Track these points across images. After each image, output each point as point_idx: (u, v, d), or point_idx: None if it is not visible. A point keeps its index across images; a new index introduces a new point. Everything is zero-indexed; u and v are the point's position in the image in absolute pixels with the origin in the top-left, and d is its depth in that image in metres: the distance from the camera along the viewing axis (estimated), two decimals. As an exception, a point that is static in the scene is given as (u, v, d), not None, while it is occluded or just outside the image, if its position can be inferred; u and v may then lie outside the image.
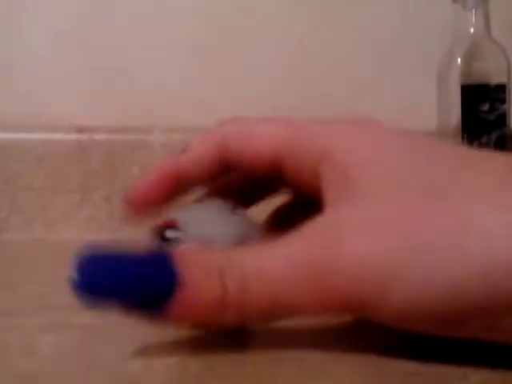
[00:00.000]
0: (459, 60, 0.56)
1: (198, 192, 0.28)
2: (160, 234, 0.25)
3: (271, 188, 0.29)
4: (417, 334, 0.21)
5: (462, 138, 0.54)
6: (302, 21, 0.64)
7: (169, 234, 0.24)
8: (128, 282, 0.20)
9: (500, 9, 0.59)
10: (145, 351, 0.22)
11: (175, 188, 0.26)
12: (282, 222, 0.29)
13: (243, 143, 0.25)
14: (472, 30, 0.56)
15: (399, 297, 0.19)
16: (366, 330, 0.24)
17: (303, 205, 0.26)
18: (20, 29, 0.61)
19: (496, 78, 0.55)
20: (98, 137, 0.58)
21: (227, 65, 0.63)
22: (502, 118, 0.55)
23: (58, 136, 0.58)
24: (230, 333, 0.24)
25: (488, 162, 0.22)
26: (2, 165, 0.57)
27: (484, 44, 0.56)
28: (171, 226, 0.25)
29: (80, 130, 0.58)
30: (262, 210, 0.29)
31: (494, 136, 0.54)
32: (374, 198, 0.21)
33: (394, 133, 0.23)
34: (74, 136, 0.58)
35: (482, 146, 0.54)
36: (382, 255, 0.20)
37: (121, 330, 0.25)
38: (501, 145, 0.54)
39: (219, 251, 0.22)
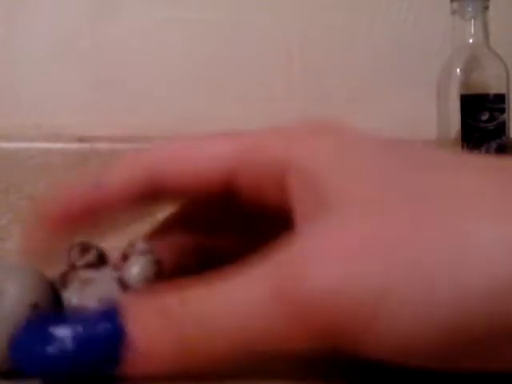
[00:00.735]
0: (458, 70, 0.56)
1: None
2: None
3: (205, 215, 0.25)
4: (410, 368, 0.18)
5: (462, 147, 0.54)
6: (300, 32, 0.65)
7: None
8: (73, 356, 0.18)
9: (499, 19, 0.60)
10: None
11: (90, 220, 0.23)
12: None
13: (184, 168, 0.22)
14: (471, 41, 0.57)
15: (382, 326, 0.16)
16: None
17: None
18: (22, 40, 0.61)
19: (495, 88, 0.56)
20: (99, 146, 0.58)
21: (228, 77, 0.64)
22: (502, 127, 0.55)
23: (59, 145, 0.58)
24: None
25: (468, 164, 0.19)
26: (2, 174, 0.57)
27: (483, 54, 0.57)
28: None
29: (81, 139, 0.59)
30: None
31: (493, 145, 0.54)
32: (349, 212, 0.18)
33: (357, 135, 0.21)
34: (75, 145, 0.59)
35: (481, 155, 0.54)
36: (358, 281, 0.17)
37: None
38: (500, 154, 0.54)
39: (169, 292, 0.18)
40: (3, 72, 0.61)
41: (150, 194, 0.22)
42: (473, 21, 0.57)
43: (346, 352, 0.18)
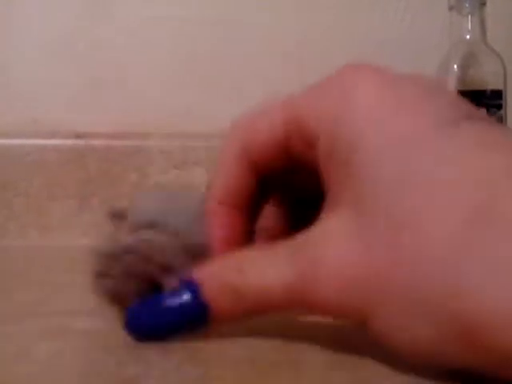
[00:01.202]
0: (455, 66, 0.56)
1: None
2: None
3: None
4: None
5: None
6: (297, 32, 0.64)
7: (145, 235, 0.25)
8: (166, 322, 0.24)
9: (496, 15, 0.60)
10: (142, 356, 0.22)
11: (242, 213, 0.26)
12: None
13: (255, 143, 0.25)
14: (468, 37, 0.57)
15: (385, 314, 0.19)
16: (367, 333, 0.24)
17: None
18: (17, 37, 0.61)
19: (492, 84, 0.56)
20: (96, 143, 0.58)
21: (223, 74, 0.64)
22: (499, 123, 0.55)
23: (55, 142, 0.58)
24: (229, 336, 0.24)
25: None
26: (-2, 171, 0.57)
27: (480, 50, 0.57)
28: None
29: (77, 135, 0.58)
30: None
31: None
32: (374, 203, 0.20)
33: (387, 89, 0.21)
34: (71, 142, 0.58)
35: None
36: (364, 268, 0.19)
37: (118, 336, 0.25)
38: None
39: (236, 266, 0.23)
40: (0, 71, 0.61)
41: (254, 176, 0.25)
42: (470, 17, 0.56)
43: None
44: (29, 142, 0.58)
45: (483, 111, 0.54)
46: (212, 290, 0.23)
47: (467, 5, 0.56)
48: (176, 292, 0.24)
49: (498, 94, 0.55)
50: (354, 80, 0.22)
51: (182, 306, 0.23)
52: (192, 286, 0.23)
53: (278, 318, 0.27)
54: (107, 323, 0.26)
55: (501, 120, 0.55)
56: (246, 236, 0.26)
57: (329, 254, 0.21)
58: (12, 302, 0.32)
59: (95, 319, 0.27)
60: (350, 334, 0.24)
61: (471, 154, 0.19)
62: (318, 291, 0.21)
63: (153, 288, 0.25)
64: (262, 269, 0.23)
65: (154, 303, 0.24)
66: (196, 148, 0.58)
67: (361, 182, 0.20)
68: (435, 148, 0.19)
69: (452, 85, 0.56)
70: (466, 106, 0.21)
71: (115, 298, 0.25)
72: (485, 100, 0.55)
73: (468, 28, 0.57)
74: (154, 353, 0.23)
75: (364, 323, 0.20)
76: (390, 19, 0.66)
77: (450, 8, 0.57)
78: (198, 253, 0.26)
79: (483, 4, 0.56)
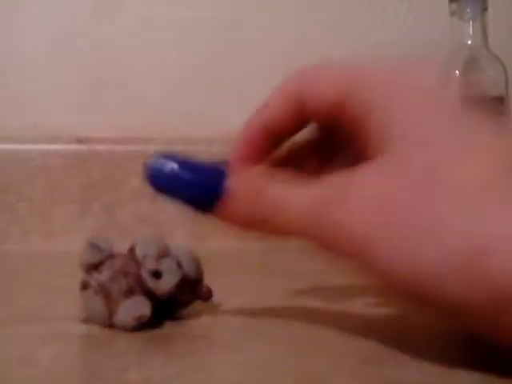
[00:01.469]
0: (457, 72, 0.56)
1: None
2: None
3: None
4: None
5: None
6: (298, 32, 0.65)
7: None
8: (186, 185, 0.26)
9: (498, 20, 0.60)
10: (144, 362, 0.22)
11: (267, 144, 0.27)
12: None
13: (312, 91, 0.26)
14: (470, 42, 0.57)
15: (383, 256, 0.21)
16: (367, 337, 0.24)
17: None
18: (19, 40, 0.61)
19: (494, 90, 0.56)
20: (98, 147, 0.58)
21: (226, 77, 0.64)
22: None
23: (57, 147, 0.58)
24: (232, 341, 0.24)
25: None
26: (1, 175, 0.57)
27: (482, 56, 0.57)
28: None
29: (80, 140, 0.59)
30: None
31: (492, 147, 0.54)
32: (396, 174, 0.22)
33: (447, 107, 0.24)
34: (73, 147, 0.58)
35: None
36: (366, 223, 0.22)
37: (120, 341, 0.25)
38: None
39: (263, 178, 0.25)
40: (0, 73, 0.61)
41: (298, 116, 0.27)
42: (471, 22, 0.57)
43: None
44: (32, 146, 0.58)
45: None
46: (239, 182, 0.25)
47: (469, 10, 0.56)
48: (207, 166, 0.26)
49: (499, 100, 0.55)
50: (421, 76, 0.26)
51: (206, 176, 0.25)
52: (223, 169, 0.26)
53: (281, 321, 0.27)
54: (109, 328, 0.26)
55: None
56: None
57: (362, 183, 0.22)
58: (14, 306, 0.32)
59: (97, 324, 0.27)
60: (355, 336, 0.24)
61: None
62: (345, 212, 0.22)
63: (142, 292, 0.26)
64: (293, 185, 0.25)
65: (185, 160, 0.26)
66: (198, 152, 0.58)
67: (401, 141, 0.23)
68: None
69: (453, 90, 0.56)
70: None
71: (104, 291, 0.26)
72: (487, 106, 0.55)
73: (470, 33, 0.57)
74: (155, 358, 0.23)
75: (375, 251, 0.21)
76: (391, 23, 0.66)
77: (452, 13, 0.57)
78: (191, 281, 0.28)
79: (485, 9, 0.56)
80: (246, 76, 0.64)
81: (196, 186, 0.26)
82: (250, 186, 0.25)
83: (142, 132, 0.60)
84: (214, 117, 0.62)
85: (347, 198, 0.23)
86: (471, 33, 0.57)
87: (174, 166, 0.26)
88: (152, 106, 0.62)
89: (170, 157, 0.26)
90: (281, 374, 0.21)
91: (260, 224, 0.25)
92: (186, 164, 0.26)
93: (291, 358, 0.23)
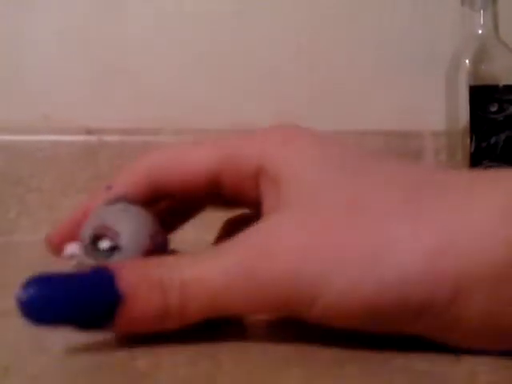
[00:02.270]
0: (467, 61, 0.56)
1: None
2: (93, 245, 0.25)
3: (197, 208, 0.30)
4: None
5: (471, 139, 0.54)
6: (309, 22, 0.64)
7: (102, 244, 0.25)
8: (72, 303, 0.21)
9: (508, 9, 0.59)
10: (153, 349, 0.22)
11: None
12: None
13: (176, 169, 0.27)
14: (480, 31, 0.56)
15: (325, 301, 0.21)
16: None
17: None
18: (29, 31, 0.61)
19: (504, 79, 0.55)
20: (107, 138, 0.59)
21: (237, 68, 0.64)
22: (511, 119, 0.55)
23: (67, 138, 0.59)
24: (237, 331, 0.24)
25: (398, 178, 0.23)
26: (11, 166, 0.58)
27: (492, 45, 0.56)
28: (102, 235, 0.25)
29: (89, 131, 0.59)
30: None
31: (502, 137, 0.54)
32: (300, 210, 0.23)
33: (318, 144, 0.25)
34: (82, 138, 0.59)
35: (490, 147, 0.54)
36: (306, 269, 0.21)
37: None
38: (509, 146, 0.54)
39: (158, 262, 0.23)
40: (10, 64, 0.61)
41: (150, 193, 0.27)
42: (482, 11, 0.56)
43: (298, 319, 0.22)
44: (41, 138, 0.58)
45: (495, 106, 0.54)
46: (129, 278, 0.22)
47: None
48: (88, 274, 0.22)
49: (510, 89, 0.55)
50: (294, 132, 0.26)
51: (93, 288, 0.21)
52: (107, 272, 0.22)
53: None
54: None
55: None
56: None
57: (281, 234, 0.22)
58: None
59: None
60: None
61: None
62: (273, 265, 0.21)
63: None
64: (194, 262, 0.22)
65: (61, 279, 0.21)
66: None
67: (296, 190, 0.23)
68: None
69: (464, 80, 0.56)
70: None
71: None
72: (497, 95, 0.55)
73: (480, 23, 0.56)
74: (165, 346, 0.23)
75: (310, 302, 0.21)
76: (402, 13, 0.65)
77: (463, 3, 0.57)
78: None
79: (496, -2, 0.56)
80: (255, 67, 0.63)
81: (85, 301, 0.21)
82: (150, 276, 0.22)
83: (151, 123, 0.60)
84: (224, 108, 0.62)
85: (275, 245, 0.22)
86: (482, 22, 0.56)
87: (45, 289, 0.21)
88: (161, 96, 0.62)
89: (35, 281, 0.22)
90: (288, 363, 0.21)
91: (176, 315, 0.22)
92: (64, 279, 0.21)
93: (299, 347, 0.23)
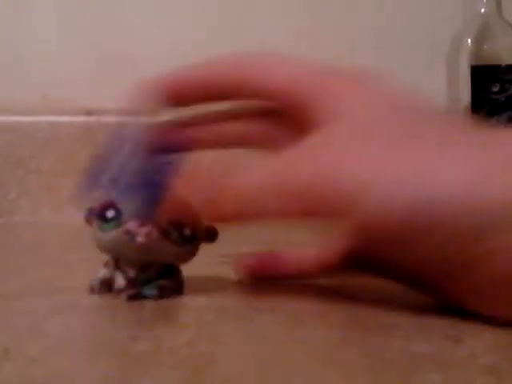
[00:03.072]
0: (469, 41, 0.55)
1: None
2: (101, 214, 0.26)
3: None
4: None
5: (472, 119, 0.54)
6: (309, 7, 0.64)
7: (109, 214, 0.26)
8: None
9: (511, -12, 0.59)
10: (153, 332, 0.22)
11: (186, 93, 0.31)
12: None
13: (261, 76, 0.29)
14: (483, 10, 0.56)
15: (368, 204, 0.22)
16: (375, 306, 0.24)
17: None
18: (28, 12, 0.61)
19: (507, 59, 0.55)
20: (107, 119, 0.58)
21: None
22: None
23: (66, 118, 0.58)
24: (241, 313, 0.24)
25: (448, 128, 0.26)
26: (10, 148, 0.58)
27: (495, 24, 0.56)
28: (109, 206, 0.27)
29: (88, 112, 0.58)
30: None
31: (504, 117, 0.54)
32: (357, 122, 0.25)
33: (380, 92, 0.28)
34: (82, 118, 0.58)
35: (492, 127, 0.54)
36: (350, 173, 0.23)
37: (129, 311, 0.25)
38: (511, 126, 0.54)
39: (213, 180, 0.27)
40: (9, 45, 0.61)
41: (228, 87, 0.30)
42: (485, -10, 0.56)
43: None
44: (40, 118, 0.58)
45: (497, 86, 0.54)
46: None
47: (482, -22, 0.55)
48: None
49: (512, 69, 0.55)
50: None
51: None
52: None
53: (289, 294, 0.27)
54: (119, 299, 0.26)
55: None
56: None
57: (335, 140, 0.24)
58: (24, 278, 0.32)
59: (107, 295, 0.27)
60: (362, 311, 0.24)
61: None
62: (319, 159, 0.24)
63: None
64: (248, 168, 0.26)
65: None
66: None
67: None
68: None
69: (465, 60, 0.55)
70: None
71: None
72: (499, 75, 0.54)
73: (483, 1, 0.56)
74: (165, 328, 0.23)
75: (354, 202, 0.22)
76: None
77: (465, -19, 0.56)
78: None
79: (498, -23, 0.55)
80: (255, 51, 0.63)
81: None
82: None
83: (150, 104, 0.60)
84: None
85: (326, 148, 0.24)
86: (484, 1, 0.56)
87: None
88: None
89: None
90: (291, 346, 0.21)
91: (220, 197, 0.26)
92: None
93: (301, 330, 0.23)
